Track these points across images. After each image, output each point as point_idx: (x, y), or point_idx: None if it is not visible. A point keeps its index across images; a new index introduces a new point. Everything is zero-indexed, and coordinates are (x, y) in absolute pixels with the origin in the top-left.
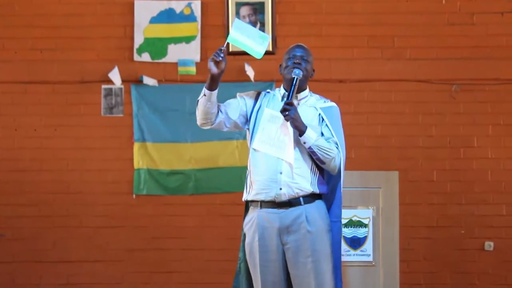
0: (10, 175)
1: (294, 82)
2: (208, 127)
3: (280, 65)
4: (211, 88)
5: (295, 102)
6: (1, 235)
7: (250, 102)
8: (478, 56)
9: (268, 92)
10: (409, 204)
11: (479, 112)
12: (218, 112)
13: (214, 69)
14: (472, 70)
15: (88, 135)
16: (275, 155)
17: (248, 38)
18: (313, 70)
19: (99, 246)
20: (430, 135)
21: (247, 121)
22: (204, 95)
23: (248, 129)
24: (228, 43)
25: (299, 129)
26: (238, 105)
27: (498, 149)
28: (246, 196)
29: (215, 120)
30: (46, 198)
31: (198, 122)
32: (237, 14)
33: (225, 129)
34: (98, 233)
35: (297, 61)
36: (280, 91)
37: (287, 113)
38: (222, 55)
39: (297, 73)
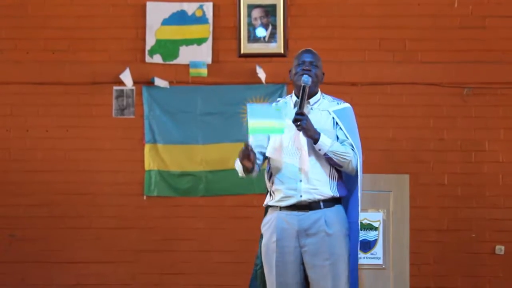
0: (21, 176)
1: (304, 90)
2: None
3: (290, 71)
4: (246, 173)
5: (307, 107)
6: (12, 235)
7: None
8: (490, 59)
9: (278, 101)
10: (420, 208)
11: (491, 115)
12: (257, 160)
13: (248, 164)
14: (483, 73)
15: (99, 136)
16: (290, 162)
17: (266, 118)
18: (323, 74)
19: (109, 247)
20: (442, 138)
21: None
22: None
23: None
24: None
25: (313, 138)
26: (262, 140)
27: (509, 153)
28: (267, 202)
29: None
30: (57, 199)
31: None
32: (249, 16)
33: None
34: (108, 234)
35: (307, 67)
36: (292, 98)
37: (298, 123)
38: (250, 153)
39: (305, 81)
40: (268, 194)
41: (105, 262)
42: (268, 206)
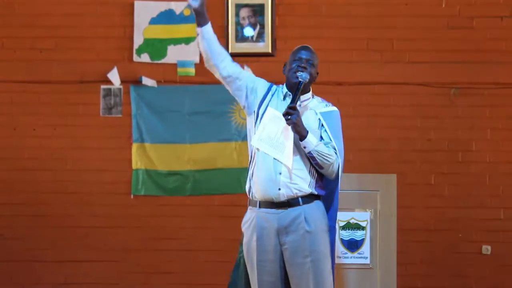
0: (8, 174)
1: (299, 86)
2: (211, 63)
3: (284, 65)
4: (199, 23)
5: (297, 103)
6: None
7: (261, 91)
8: (478, 60)
9: (279, 85)
10: (407, 207)
11: (478, 116)
12: (226, 55)
13: (194, 3)
14: (471, 74)
15: (87, 135)
16: (273, 155)
17: None
18: (317, 73)
19: (97, 246)
20: (429, 138)
21: (246, 98)
22: (198, 34)
23: (254, 117)
24: None
25: (300, 134)
26: (249, 77)
27: (496, 153)
28: (247, 191)
29: (220, 58)
30: (44, 197)
31: (205, 63)
32: (237, 15)
33: (222, 73)
34: (96, 233)
35: (303, 65)
36: (283, 90)
37: (289, 117)
38: None
39: (303, 77)
40: (249, 181)
41: (92, 261)
42: (249, 200)
